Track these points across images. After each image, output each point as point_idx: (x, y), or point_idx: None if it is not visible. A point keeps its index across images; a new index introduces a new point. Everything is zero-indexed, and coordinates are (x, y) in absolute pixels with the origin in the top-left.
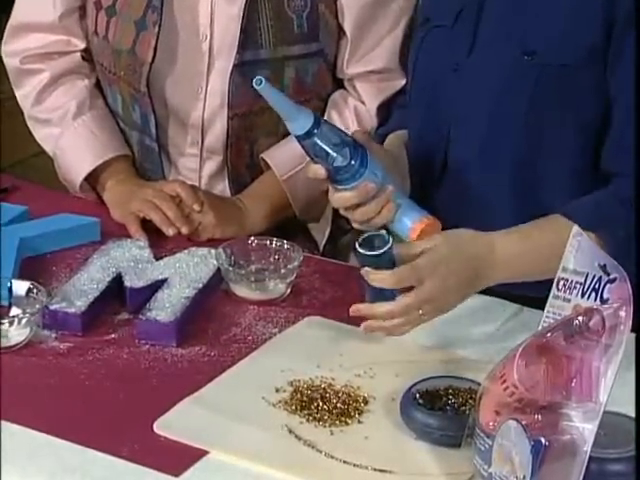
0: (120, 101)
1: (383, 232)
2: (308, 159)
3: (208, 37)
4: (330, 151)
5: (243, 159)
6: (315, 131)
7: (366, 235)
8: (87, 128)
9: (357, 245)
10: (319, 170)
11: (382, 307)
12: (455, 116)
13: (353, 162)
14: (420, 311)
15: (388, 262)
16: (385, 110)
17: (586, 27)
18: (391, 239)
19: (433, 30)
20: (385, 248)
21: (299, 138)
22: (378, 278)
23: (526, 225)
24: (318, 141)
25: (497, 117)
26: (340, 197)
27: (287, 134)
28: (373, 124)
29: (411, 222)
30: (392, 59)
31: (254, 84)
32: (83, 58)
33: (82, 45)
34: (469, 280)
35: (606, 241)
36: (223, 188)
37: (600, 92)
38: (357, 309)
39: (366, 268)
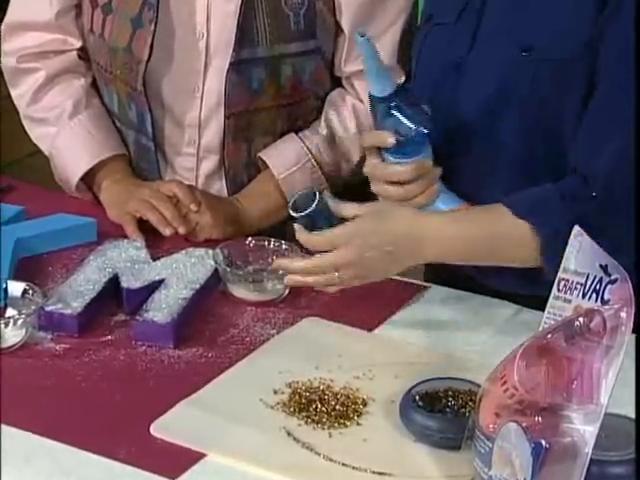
0: (116, 100)
1: (314, 190)
2: (305, 159)
3: (205, 35)
4: (405, 122)
5: (240, 158)
6: (393, 100)
7: (297, 195)
8: (83, 127)
9: (289, 205)
10: (388, 138)
11: (297, 263)
12: (456, 113)
13: (421, 138)
14: (337, 274)
15: (323, 220)
16: None
17: (584, 20)
18: (320, 198)
19: (436, 27)
20: (311, 208)
21: (375, 100)
22: (301, 238)
23: (468, 210)
24: (394, 109)
25: (496, 114)
26: (397, 170)
27: (284, 133)
28: (371, 123)
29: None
30: (391, 56)
31: (357, 34)
32: (79, 57)
33: (78, 44)
34: (392, 255)
35: (539, 231)
36: (220, 188)
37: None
38: (278, 264)
39: (296, 226)
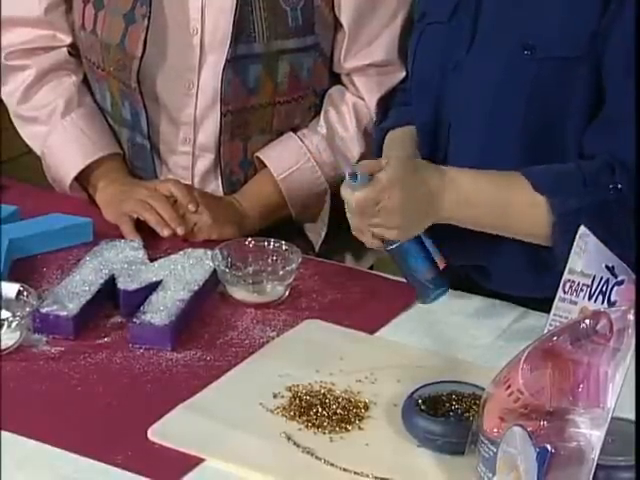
0: (109, 98)
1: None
2: (305, 159)
3: (199, 31)
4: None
5: (236, 157)
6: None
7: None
8: (76, 126)
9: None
10: None
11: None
12: (455, 114)
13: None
14: (378, 207)
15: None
16: (384, 104)
17: (586, 15)
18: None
19: (430, 26)
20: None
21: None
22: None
23: (487, 172)
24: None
25: (496, 114)
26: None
27: (282, 131)
28: (371, 121)
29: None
30: (391, 51)
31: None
32: (70, 54)
33: (68, 40)
34: (425, 199)
35: (554, 208)
36: (215, 187)
37: (601, 80)
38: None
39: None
